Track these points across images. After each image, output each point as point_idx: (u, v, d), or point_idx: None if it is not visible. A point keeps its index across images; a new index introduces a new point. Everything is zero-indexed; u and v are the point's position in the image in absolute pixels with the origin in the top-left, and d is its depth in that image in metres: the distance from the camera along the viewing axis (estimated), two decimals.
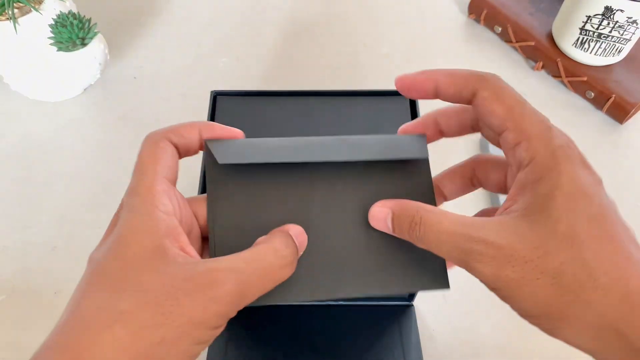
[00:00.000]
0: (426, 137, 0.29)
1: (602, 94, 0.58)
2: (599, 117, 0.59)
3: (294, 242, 0.25)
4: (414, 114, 0.42)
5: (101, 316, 0.21)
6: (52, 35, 0.52)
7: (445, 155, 0.35)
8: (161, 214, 0.24)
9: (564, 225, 0.22)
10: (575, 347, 0.23)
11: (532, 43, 0.63)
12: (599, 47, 0.58)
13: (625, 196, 0.52)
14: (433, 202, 0.29)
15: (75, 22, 0.52)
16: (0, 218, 0.51)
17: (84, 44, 0.54)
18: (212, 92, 0.43)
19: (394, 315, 0.45)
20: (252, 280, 0.23)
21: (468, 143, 0.56)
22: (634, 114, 0.58)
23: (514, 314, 0.48)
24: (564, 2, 0.60)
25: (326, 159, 0.28)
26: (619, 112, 0.58)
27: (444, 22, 0.69)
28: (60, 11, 0.53)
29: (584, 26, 0.58)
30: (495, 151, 0.54)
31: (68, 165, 0.54)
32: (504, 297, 0.23)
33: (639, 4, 0.53)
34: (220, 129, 0.28)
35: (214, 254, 0.27)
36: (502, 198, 0.51)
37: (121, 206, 0.25)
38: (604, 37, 0.57)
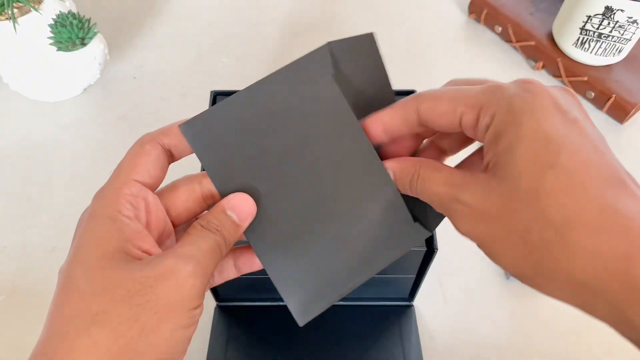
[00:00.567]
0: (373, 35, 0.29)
1: (603, 93, 0.58)
2: (599, 117, 0.59)
3: (232, 220, 0.26)
4: None
5: (76, 322, 0.21)
6: (52, 35, 0.52)
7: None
8: (124, 218, 0.24)
9: (526, 180, 0.21)
10: (564, 303, 0.22)
11: (533, 43, 0.63)
12: (599, 47, 0.58)
13: None
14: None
15: (75, 22, 0.52)
16: (0, 218, 0.51)
17: (83, 44, 0.54)
18: (212, 92, 0.43)
19: (394, 315, 0.45)
20: (205, 259, 0.24)
21: None
22: (634, 113, 0.58)
23: (514, 314, 0.48)
24: (564, 2, 0.60)
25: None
26: (619, 112, 0.58)
27: (444, 22, 0.69)
28: (60, 11, 0.53)
29: (584, 26, 0.58)
30: None
31: (68, 165, 0.54)
32: (487, 254, 0.24)
33: (639, 4, 0.53)
34: None
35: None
36: None
37: (86, 210, 0.25)
38: (605, 37, 0.57)
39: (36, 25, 0.52)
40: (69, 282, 0.23)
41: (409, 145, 0.29)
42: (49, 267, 0.48)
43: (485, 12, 0.66)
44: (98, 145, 0.55)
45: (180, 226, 0.28)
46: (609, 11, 0.55)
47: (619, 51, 0.59)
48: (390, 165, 0.27)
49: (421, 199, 0.26)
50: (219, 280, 0.29)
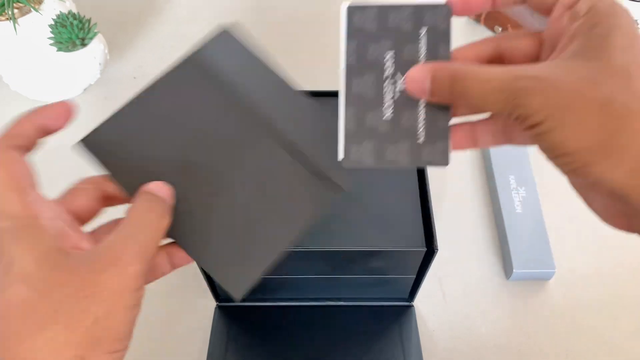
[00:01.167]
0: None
1: None
2: None
3: (157, 196, 0.27)
4: None
5: (29, 325, 0.22)
6: (52, 35, 0.52)
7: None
8: (45, 220, 0.25)
9: (618, 61, 0.22)
10: (607, 185, 0.22)
11: None
12: None
13: None
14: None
15: (75, 22, 0.52)
16: None
17: (83, 44, 0.54)
18: None
19: (394, 315, 0.45)
20: (143, 239, 0.25)
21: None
22: None
23: (514, 314, 0.48)
24: None
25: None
26: None
27: None
28: (60, 11, 0.53)
29: None
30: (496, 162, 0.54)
31: (68, 165, 0.54)
32: (546, 132, 0.22)
33: (639, 4, 0.53)
34: (49, 110, 0.30)
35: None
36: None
37: None
38: None
39: (36, 25, 0.52)
40: (10, 297, 0.22)
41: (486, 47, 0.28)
42: None
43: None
44: None
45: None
46: None
47: None
48: (429, 66, 0.25)
49: (461, 99, 0.24)
50: (152, 278, 0.29)
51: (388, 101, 0.27)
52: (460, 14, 0.27)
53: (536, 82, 0.22)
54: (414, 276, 0.42)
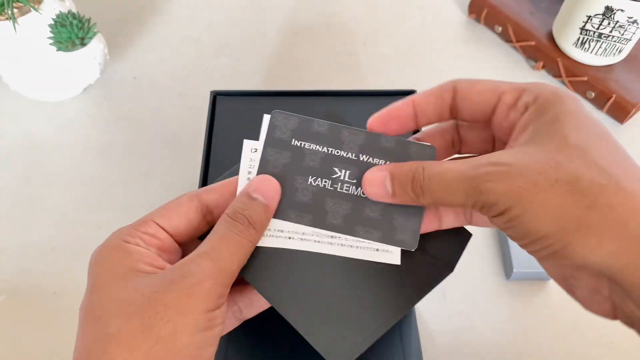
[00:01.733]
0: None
1: (603, 93, 0.58)
2: (599, 117, 0.59)
3: (252, 200, 0.26)
4: None
5: (95, 346, 0.22)
6: (52, 35, 0.52)
7: None
8: (132, 246, 0.24)
9: (574, 140, 0.21)
10: (590, 267, 0.20)
11: (533, 43, 0.63)
12: (600, 47, 0.58)
13: None
14: None
15: (74, 22, 0.52)
16: (0, 218, 0.51)
17: (83, 44, 0.54)
18: (212, 92, 0.43)
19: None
20: (224, 255, 0.24)
21: None
22: (634, 113, 0.58)
23: (514, 314, 0.48)
24: (565, 2, 0.60)
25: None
26: (620, 112, 0.58)
27: (444, 22, 0.69)
28: (60, 11, 0.53)
29: (584, 26, 0.58)
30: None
31: (68, 165, 0.54)
32: (515, 218, 0.21)
33: (639, 4, 0.53)
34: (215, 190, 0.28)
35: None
36: None
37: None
38: (605, 37, 0.57)
39: (36, 25, 0.52)
40: (87, 313, 0.23)
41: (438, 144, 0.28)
42: (49, 267, 0.48)
43: (485, 12, 0.66)
44: (98, 145, 0.55)
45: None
46: (609, 11, 0.55)
47: (619, 51, 0.59)
48: (386, 167, 0.26)
49: (423, 199, 0.24)
50: (248, 314, 0.29)
51: (355, 191, 0.27)
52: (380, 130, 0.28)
53: (497, 167, 0.22)
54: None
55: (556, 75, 0.62)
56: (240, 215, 0.25)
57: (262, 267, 0.27)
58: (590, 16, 0.56)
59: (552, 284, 0.47)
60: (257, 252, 0.27)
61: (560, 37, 0.61)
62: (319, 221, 0.27)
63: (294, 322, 0.27)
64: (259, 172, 0.27)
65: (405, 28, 0.67)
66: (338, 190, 0.27)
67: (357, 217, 0.27)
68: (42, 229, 0.50)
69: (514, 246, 0.47)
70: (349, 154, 0.27)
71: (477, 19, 0.68)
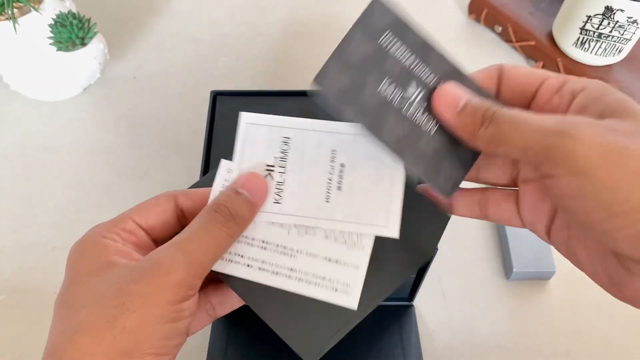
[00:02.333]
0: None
1: None
2: None
3: (238, 196, 0.25)
4: None
5: (63, 335, 0.22)
6: (52, 35, 0.52)
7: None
8: (108, 241, 0.24)
9: None
10: None
11: (533, 43, 0.63)
12: (599, 47, 0.58)
13: None
14: None
15: (74, 21, 0.52)
16: (0, 218, 0.51)
17: (83, 44, 0.54)
18: (212, 92, 0.43)
19: (394, 315, 0.45)
20: (197, 246, 0.24)
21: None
22: None
23: (514, 314, 0.48)
24: (565, 2, 0.60)
25: None
26: None
27: (444, 22, 0.69)
28: (60, 11, 0.53)
29: (584, 26, 0.58)
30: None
31: (68, 165, 0.54)
32: (593, 182, 0.19)
33: (639, 4, 0.53)
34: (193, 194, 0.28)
35: None
36: None
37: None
38: (604, 37, 0.57)
39: (36, 25, 0.52)
40: (60, 304, 0.23)
41: None
42: (49, 267, 0.48)
43: (485, 12, 0.66)
44: (98, 145, 0.55)
45: None
46: (609, 11, 0.55)
47: (619, 51, 0.59)
48: (464, 90, 0.24)
49: (493, 126, 0.22)
50: (221, 311, 0.29)
51: (421, 117, 0.25)
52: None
53: (587, 120, 0.20)
54: (414, 276, 0.42)
55: None
56: (222, 206, 0.25)
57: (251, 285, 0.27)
58: (590, 16, 0.56)
59: (552, 283, 0.47)
60: None
61: (560, 37, 0.61)
62: (374, 128, 0.24)
63: (266, 319, 0.27)
64: (333, 55, 0.24)
65: None
66: (403, 111, 0.25)
67: (409, 144, 0.25)
68: (42, 229, 0.50)
69: (514, 246, 0.47)
70: (430, 76, 0.25)
71: (477, 19, 0.68)
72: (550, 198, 0.24)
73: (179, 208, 0.27)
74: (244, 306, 0.30)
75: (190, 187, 0.29)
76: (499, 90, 0.25)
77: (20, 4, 0.51)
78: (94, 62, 0.57)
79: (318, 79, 0.24)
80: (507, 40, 0.65)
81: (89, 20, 0.54)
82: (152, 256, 0.23)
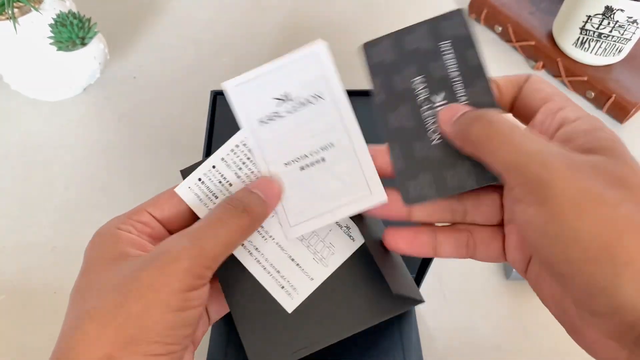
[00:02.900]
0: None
1: (603, 93, 0.58)
2: (599, 117, 0.59)
3: (252, 194, 0.25)
4: None
5: (73, 322, 0.22)
6: (52, 34, 0.52)
7: None
8: (123, 232, 0.25)
9: (635, 180, 0.19)
10: (629, 310, 0.18)
11: (533, 43, 0.63)
12: (599, 47, 0.58)
13: None
14: None
15: (75, 21, 0.52)
16: (0, 218, 0.51)
17: (83, 44, 0.54)
18: (212, 92, 0.43)
19: (394, 315, 0.45)
20: (208, 235, 0.24)
21: None
22: (634, 113, 0.58)
23: (514, 314, 0.48)
24: (565, 2, 0.60)
25: None
26: (620, 112, 0.58)
27: None
28: (60, 11, 0.53)
29: (584, 26, 0.58)
30: None
31: (68, 165, 0.54)
32: (561, 219, 0.19)
33: (639, 4, 0.53)
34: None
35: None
36: None
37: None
38: (604, 36, 0.57)
39: (36, 25, 0.52)
40: (73, 295, 0.24)
41: None
42: (49, 267, 0.48)
43: (485, 11, 0.66)
44: (98, 145, 0.55)
45: None
46: (609, 11, 0.55)
47: (619, 51, 0.59)
48: (466, 107, 0.24)
49: (476, 129, 0.22)
50: (215, 317, 0.29)
51: (431, 126, 0.25)
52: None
53: (576, 156, 0.20)
54: (414, 276, 0.42)
55: (556, 75, 0.62)
56: (236, 200, 0.25)
57: (228, 266, 0.27)
58: (590, 16, 0.56)
59: None
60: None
61: (560, 37, 0.61)
62: (386, 106, 0.26)
63: (236, 320, 0.27)
64: (391, 34, 0.26)
65: None
66: (420, 109, 0.25)
67: (404, 139, 0.25)
68: (42, 229, 0.50)
69: None
70: (463, 97, 0.25)
71: (477, 19, 0.68)
72: (517, 224, 0.24)
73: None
74: None
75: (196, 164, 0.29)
76: (515, 100, 0.25)
77: (21, 4, 0.51)
78: (94, 62, 0.57)
79: (367, 45, 0.26)
80: (507, 40, 0.65)
81: (89, 20, 0.54)
82: (161, 245, 0.23)
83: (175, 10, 0.69)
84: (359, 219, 0.27)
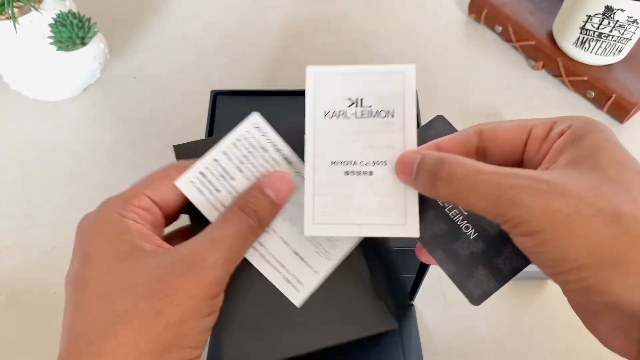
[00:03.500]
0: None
1: (603, 93, 0.58)
2: (599, 117, 0.59)
3: (265, 197, 0.26)
4: None
5: (99, 325, 0.21)
6: (52, 34, 0.52)
7: None
8: (129, 221, 0.24)
9: (614, 173, 0.20)
10: (624, 306, 0.19)
11: (533, 42, 0.63)
12: (600, 47, 0.58)
13: None
14: None
15: (75, 21, 0.52)
16: (0, 218, 0.51)
17: (83, 44, 0.54)
18: (212, 91, 0.43)
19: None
20: (234, 245, 0.24)
21: None
22: (634, 113, 0.58)
23: (514, 314, 0.48)
24: (565, 2, 0.60)
25: None
26: (620, 112, 0.58)
27: (444, 21, 0.69)
28: (60, 10, 0.53)
29: (584, 25, 0.58)
30: None
31: (68, 165, 0.54)
32: (548, 242, 0.20)
33: (639, 4, 0.53)
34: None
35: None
36: None
37: (88, 215, 0.26)
38: (605, 36, 0.57)
39: (36, 24, 0.52)
40: (84, 288, 0.23)
41: None
42: (49, 267, 0.48)
43: (485, 11, 0.66)
44: (98, 145, 0.55)
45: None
46: (609, 11, 0.55)
47: (619, 51, 0.59)
48: (423, 149, 0.24)
49: (443, 188, 0.22)
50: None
51: (461, 222, 0.25)
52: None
53: (537, 183, 0.20)
54: (414, 276, 0.42)
55: (556, 75, 0.62)
56: (250, 209, 0.25)
57: None
58: (590, 16, 0.56)
59: (552, 283, 0.47)
60: None
61: (560, 36, 0.61)
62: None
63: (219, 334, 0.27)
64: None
65: (404, 28, 0.67)
66: (446, 209, 0.26)
67: (444, 243, 0.26)
68: (42, 229, 0.50)
69: None
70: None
71: (477, 19, 0.68)
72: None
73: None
74: None
75: (199, 140, 0.29)
76: (484, 153, 0.25)
77: (21, 4, 0.51)
78: (94, 62, 0.57)
79: None
80: (507, 40, 0.65)
81: (89, 19, 0.54)
82: (190, 250, 0.23)
83: (175, 10, 0.69)
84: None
